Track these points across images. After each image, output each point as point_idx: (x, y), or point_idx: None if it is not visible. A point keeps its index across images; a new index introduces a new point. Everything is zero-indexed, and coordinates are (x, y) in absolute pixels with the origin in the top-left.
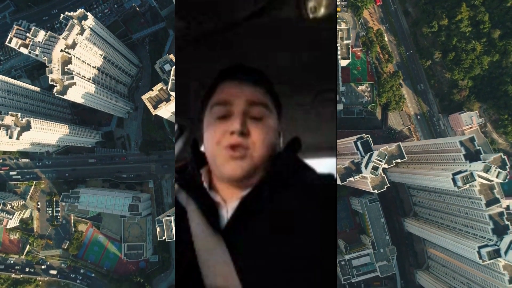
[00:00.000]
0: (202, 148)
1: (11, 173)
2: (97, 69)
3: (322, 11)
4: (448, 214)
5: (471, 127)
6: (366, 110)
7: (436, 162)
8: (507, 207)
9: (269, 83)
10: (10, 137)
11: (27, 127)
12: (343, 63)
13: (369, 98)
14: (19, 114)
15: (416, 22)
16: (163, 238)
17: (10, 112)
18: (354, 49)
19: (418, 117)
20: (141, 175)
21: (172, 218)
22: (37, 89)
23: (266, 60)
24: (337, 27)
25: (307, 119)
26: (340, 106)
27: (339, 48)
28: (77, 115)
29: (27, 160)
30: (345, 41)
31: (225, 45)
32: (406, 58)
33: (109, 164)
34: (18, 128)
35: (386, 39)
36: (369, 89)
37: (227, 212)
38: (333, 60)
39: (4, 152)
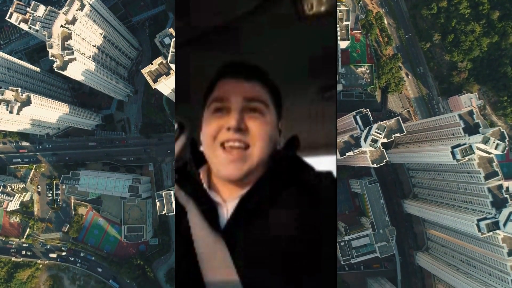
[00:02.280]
0: (201, 148)
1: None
2: (97, 48)
3: (322, 8)
4: (447, 192)
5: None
6: (366, 93)
7: (436, 139)
8: (507, 189)
9: (268, 79)
10: (11, 112)
11: (27, 102)
12: (342, 45)
13: (369, 80)
14: (19, 89)
15: (416, 5)
16: (163, 212)
17: (10, 87)
18: (354, 31)
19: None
20: (141, 158)
21: (172, 192)
22: (37, 69)
23: (266, 58)
24: (337, 9)
25: (306, 117)
26: (339, 87)
27: (338, 29)
28: (77, 98)
29: (27, 144)
30: (345, 22)
31: (225, 43)
32: (406, 41)
33: (109, 148)
34: (18, 103)
35: (385, 22)
36: (368, 71)
37: (226, 211)
38: (333, 58)
39: (5, 135)
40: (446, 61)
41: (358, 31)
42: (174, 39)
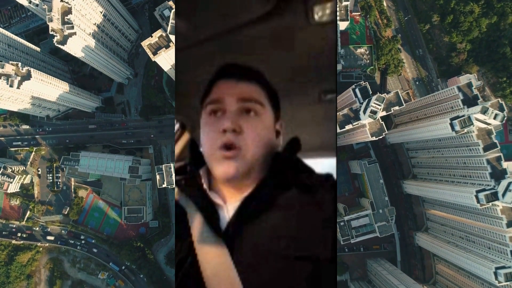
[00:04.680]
0: (201, 149)
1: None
2: (97, 26)
3: (323, 14)
4: (447, 168)
5: None
6: (365, 74)
7: (435, 115)
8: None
9: (264, 79)
10: (11, 86)
11: (27, 77)
12: (342, 26)
13: (368, 61)
14: (20, 63)
15: None
16: (163, 185)
17: (10, 62)
18: (353, 13)
19: (417, 83)
20: (141, 141)
21: (172, 165)
22: (38, 49)
23: (267, 61)
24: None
25: (306, 119)
26: (338, 67)
27: (337, 9)
28: (77, 80)
29: (27, 127)
30: (344, 3)
31: (225, 47)
32: (405, 23)
33: (109, 130)
34: (19, 78)
35: (384, 4)
36: (367, 52)
37: (227, 213)
38: (333, 61)
39: (5, 118)
40: (445, 43)
41: (357, 13)
42: (174, 11)
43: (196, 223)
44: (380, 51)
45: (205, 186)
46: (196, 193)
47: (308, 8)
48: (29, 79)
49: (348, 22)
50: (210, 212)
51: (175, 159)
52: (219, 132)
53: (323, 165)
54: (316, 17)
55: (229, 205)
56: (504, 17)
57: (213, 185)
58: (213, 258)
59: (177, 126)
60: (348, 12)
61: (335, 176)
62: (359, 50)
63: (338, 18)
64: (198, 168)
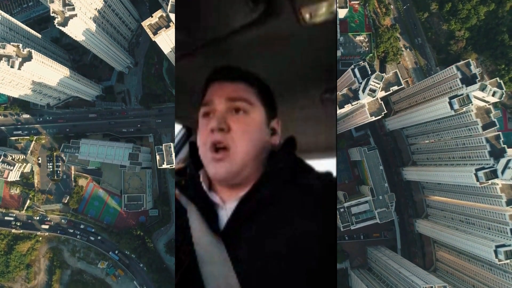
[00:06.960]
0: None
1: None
2: (98, 11)
3: (321, 14)
4: (446, 151)
5: None
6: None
7: (434, 97)
8: None
9: (253, 78)
10: (12, 67)
11: (28, 58)
12: (340, 13)
13: (367, 49)
14: (21, 45)
15: None
16: (163, 165)
17: (11, 43)
18: (352, 2)
19: (408, 49)
20: (141, 130)
21: (172, 144)
22: (39, 35)
23: (266, 63)
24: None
25: (306, 119)
26: (338, 54)
27: None
28: (78, 69)
29: (28, 116)
30: None
31: (224, 51)
32: (404, 12)
33: (109, 119)
34: (20, 59)
35: None
36: (366, 39)
37: (226, 213)
38: (333, 61)
39: (5, 108)
40: (443, 31)
41: (356, 2)
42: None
43: (196, 224)
44: (379, 39)
45: (204, 187)
46: (195, 193)
47: (307, 8)
48: (30, 60)
49: (347, 9)
50: (210, 211)
51: (175, 161)
52: (208, 132)
53: (323, 163)
54: (316, 15)
55: (228, 205)
56: (502, 4)
57: (213, 186)
58: (212, 259)
59: (178, 128)
60: (347, 0)
61: (335, 174)
62: (358, 38)
63: (337, 5)
64: (198, 169)
